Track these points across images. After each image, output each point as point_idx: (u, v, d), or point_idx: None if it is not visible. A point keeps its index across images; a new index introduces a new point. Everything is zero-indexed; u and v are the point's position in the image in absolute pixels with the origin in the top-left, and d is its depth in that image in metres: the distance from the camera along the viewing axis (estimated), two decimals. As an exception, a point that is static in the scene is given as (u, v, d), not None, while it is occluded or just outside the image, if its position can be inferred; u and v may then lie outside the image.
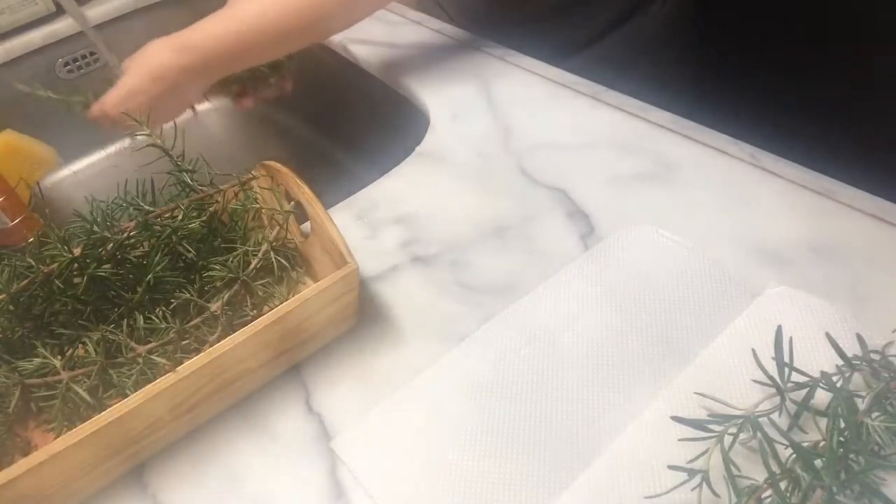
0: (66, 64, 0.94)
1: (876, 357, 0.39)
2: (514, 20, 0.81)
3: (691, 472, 0.35)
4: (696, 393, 0.41)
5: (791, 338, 0.39)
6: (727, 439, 0.36)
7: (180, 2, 1.00)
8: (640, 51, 0.82)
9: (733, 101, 0.72)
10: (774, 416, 0.37)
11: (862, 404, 0.36)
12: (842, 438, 0.34)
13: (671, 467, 0.36)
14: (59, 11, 0.91)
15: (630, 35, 0.82)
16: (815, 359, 0.41)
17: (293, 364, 0.46)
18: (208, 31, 0.62)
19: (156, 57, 0.62)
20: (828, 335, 0.39)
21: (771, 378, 0.38)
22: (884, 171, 0.54)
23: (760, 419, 0.36)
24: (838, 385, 0.37)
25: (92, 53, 0.95)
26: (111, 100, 0.63)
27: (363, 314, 0.48)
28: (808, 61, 0.85)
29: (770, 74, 0.86)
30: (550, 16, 0.81)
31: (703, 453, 0.36)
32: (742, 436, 0.36)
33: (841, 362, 0.38)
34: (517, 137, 0.64)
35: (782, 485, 0.33)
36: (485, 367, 0.44)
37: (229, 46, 0.62)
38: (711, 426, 0.36)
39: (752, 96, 0.81)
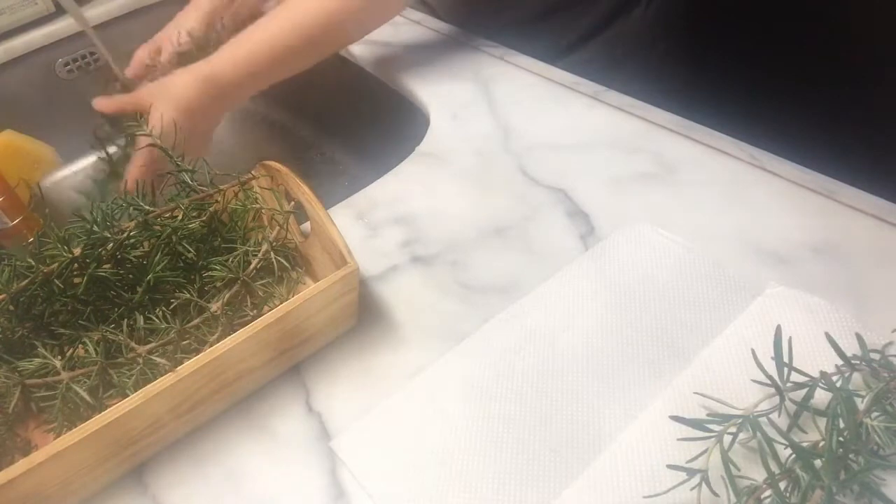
0: (66, 64, 0.94)
1: (876, 357, 0.39)
2: (497, 23, 0.81)
3: (690, 472, 0.35)
4: (695, 393, 0.41)
5: (791, 338, 0.39)
6: (726, 439, 0.36)
7: (180, 2, 1.00)
8: (622, 55, 0.82)
9: (719, 102, 0.72)
10: (774, 416, 0.37)
11: (861, 404, 0.36)
12: (841, 438, 0.34)
13: (670, 467, 0.36)
14: (59, 11, 0.91)
15: (612, 39, 0.82)
16: (815, 359, 0.41)
17: (293, 364, 0.46)
18: (228, 59, 0.64)
19: (183, 92, 0.63)
20: (827, 335, 0.39)
21: (770, 378, 0.38)
22: (884, 171, 0.54)
23: (760, 419, 0.36)
24: (838, 385, 0.37)
25: (92, 53, 0.95)
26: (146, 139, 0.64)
27: (363, 314, 0.48)
28: (807, 62, 0.85)
29: (765, 75, 0.86)
30: (533, 20, 0.81)
31: (702, 453, 0.36)
32: (742, 436, 0.36)
33: (840, 362, 0.38)
34: (517, 137, 0.64)
35: (782, 485, 0.33)
36: (485, 367, 0.44)
37: (249, 70, 0.64)
38: (711, 426, 0.36)
39: (740, 97, 0.81)
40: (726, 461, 0.34)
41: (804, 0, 0.87)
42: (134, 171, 0.63)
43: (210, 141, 0.69)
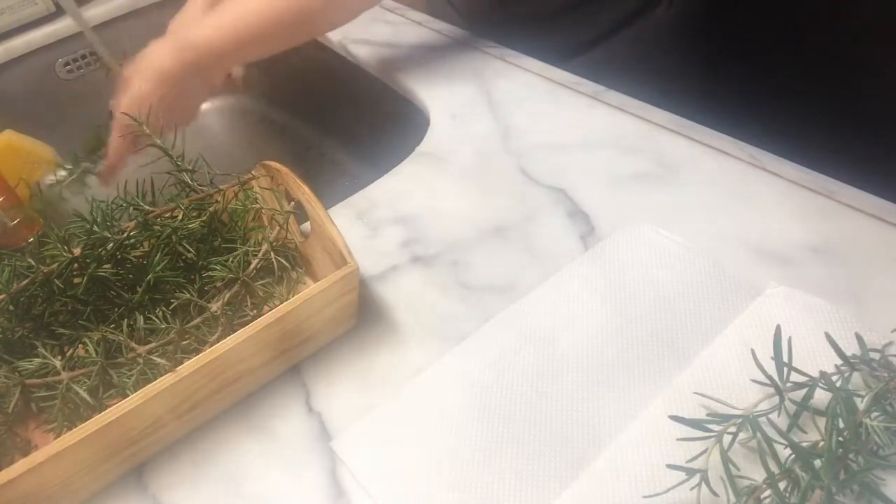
0: (66, 64, 0.94)
1: (875, 357, 0.39)
2: (518, 18, 0.81)
3: (690, 472, 0.35)
4: (695, 393, 0.41)
5: (790, 338, 0.39)
6: (726, 439, 0.36)
7: (180, 2, 1.00)
8: (643, 53, 0.82)
9: (735, 101, 0.72)
10: (774, 416, 0.37)
11: (861, 404, 0.36)
12: (841, 438, 0.34)
13: (670, 466, 0.36)
14: (59, 11, 0.91)
15: (634, 37, 0.82)
16: (815, 359, 0.41)
17: (293, 364, 0.46)
18: (206, 29, 0.63)
19: (158, 59, 0.62)
20: (827, 335, 0.39)
21: (770, 378, 0.38)
22: (884, 171, 0.54)
23: (759, 419, 0.36)
24: (837, 385, 0.37)
25: (92, 53, 0.95)
26: (122, 108, 0.63)
27: (363, 314, 0.48)
28: (810, 63, 0.85)
29: (771, 76, 0.86)
30: (555, 15, 0.80)
31: (701, 453, 0.36)
32: (741, 436, 0.36)
33: (840, 362, 0.38)
34: (517, 137, 0.64)
35: (781, 485, 0.33)
36: (485, 368, 0.44)
37: (226, 42, 0.63)
38: (710, 426, 0.36)
39: (753, 97, 0.81)
40: (726, 461, 0.34)
41: (805, 1, 0.87)
42: (114, 143, 0.63)
43: (194, 115, 0.68)
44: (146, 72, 0.62)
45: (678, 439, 0.37)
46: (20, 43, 0.90)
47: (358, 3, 0.68)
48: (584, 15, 0.80)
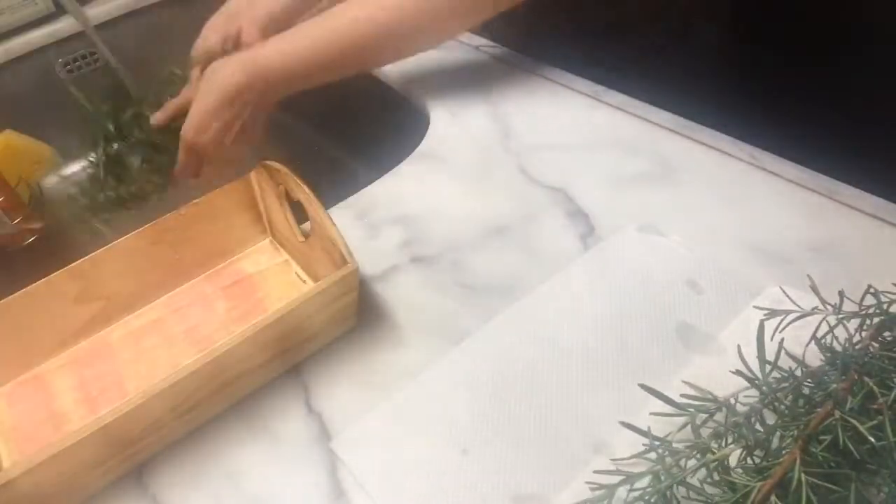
0: (66, 64, 0.94)
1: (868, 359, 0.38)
2: (556, 41, 0.79)
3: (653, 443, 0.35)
4: (683, 381, 0.41)
5: (783, 339, 0.39)
6: (700, 417, 0.36)
7: (180, 2, 1.00)
8: (644, 54, 0.82)
9: (734, 100, 0.72)
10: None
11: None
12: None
13: (623, 424, 0.36)
14: (59, 11, 0.91)
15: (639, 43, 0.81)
16: (814, 359, 0.41)
17: (293, 364, 0.46)
18: (276, 52, 0.60)
19: (228, 78, 0.59)
20: (816, 338, 0.38)
21: (755, 375, 0.37)
22: (884, 171, 0.54)
23: (739, 408, 0.36)
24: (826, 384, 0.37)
25: (92, 53, 0.95)
26: (188, 131, 0.60)
27: (363, 314, 0.48)
28: (810, 61, 0.85)
29: (772, 74, 0.86)
30: (594, 35, 0.79)
31: (679, 430, 0.36)
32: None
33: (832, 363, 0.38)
34: (517, 137, 0.64)
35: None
36: (485, 368, 0.44)
37: (293, 65, 0.60)
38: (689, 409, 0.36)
39: (752, 96, 0.81)
40: (697, 433, 0.35)
41: (805, 1, 0.87)
42: (181, 161, 0.61)
43: (264, 128, 0.65)
44: (212, 92, 0.59)
45: (651, 413, 0.37)
46: (20, 43, 0.90)
47: (446, 27, 0.64)
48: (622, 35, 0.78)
